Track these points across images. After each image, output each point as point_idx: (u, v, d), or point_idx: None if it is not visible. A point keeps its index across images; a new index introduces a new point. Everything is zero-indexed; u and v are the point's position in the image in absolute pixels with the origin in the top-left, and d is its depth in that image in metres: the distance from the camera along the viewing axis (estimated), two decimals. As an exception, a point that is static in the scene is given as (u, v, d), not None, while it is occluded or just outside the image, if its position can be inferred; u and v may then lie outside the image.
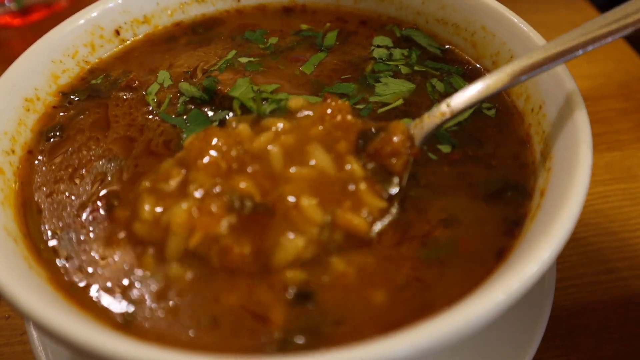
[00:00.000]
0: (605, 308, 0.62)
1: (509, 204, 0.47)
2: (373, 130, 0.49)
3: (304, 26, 0.66)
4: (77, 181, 0.50)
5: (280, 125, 0.48)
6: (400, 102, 0.55)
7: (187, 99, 0.56)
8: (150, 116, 0.56)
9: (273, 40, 0.65)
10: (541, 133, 0.50)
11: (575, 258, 0.67)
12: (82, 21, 0.61)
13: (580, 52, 0.45)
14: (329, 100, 0.50)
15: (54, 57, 0.58)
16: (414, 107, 0.55)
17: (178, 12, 0.67)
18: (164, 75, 0.60)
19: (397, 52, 0.61)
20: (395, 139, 0.47)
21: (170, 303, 0.41)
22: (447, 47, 0.62)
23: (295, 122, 0.49)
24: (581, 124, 0.45)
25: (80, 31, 0.60)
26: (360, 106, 0.55)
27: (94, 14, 0.62)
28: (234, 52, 0.63)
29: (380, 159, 0.47)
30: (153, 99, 0.57)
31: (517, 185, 0.48)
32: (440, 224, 0.45)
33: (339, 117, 0.49)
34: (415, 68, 0.59)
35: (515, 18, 0.57)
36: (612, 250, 0.68)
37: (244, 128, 0.48)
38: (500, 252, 0.43)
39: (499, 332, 0.52)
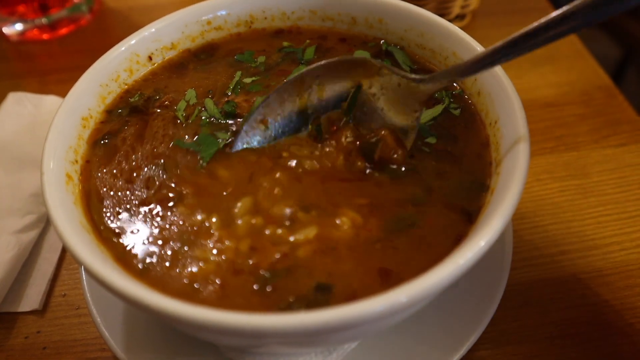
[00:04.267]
0: (555, 283, 0.75)
1: (470, 198, 0.60)
2: (371, 140, 0.64)
3: (285, 44, 0.79)
4: (128, 177, 0.63)
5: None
6: None
7: (210, 116, 0.69)
8: (181, 130, 0.68)
9: (261, 59, 0.77)
10: (496, 143, 0.63)
11: (532, 243, 0.80)
12: (123, 48, 0.73)
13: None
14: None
15: (102, 82, 0.70)
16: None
17: (199, 38, 0.80)
18: (190, 94, 0.72)
19: None
20: (390, 143, 0.63)
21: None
22: (415, 67, 0.75)
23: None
24: (522, 139, 0.57)
25: (121, 58, 0.72)
26: None
27: (133, 42, 0.74)
28: (239, 73, 0.75)
29: (386, 161, 0.63)
30: (182, 114, 0.70)
31: (477, 182, 0.62)
32: (410, 203, 0.59)
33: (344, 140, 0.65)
34: None
35: (479, 47, 0.69)
36: (564, 236, 0.81)
37: None
38: (459, 236, 0.56)
39: (463, 300, 0.66)
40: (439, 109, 0.69)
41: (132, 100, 0.72)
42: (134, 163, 0.65)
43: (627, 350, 0.69)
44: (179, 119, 0.69)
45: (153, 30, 0.75)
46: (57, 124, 0.63)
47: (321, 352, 0.62)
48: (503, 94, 0.63)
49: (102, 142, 0.67)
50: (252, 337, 0.48)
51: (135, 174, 0.64)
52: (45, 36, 1.19)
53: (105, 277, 0.49)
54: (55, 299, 0.76)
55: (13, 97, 0.96)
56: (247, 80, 0.74)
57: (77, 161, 0.64)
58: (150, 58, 0.76)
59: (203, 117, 0.69)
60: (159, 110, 0.71)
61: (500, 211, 0.52)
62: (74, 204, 0.59)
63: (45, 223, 0.83)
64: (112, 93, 0.72)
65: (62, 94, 0.66)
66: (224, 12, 0.79)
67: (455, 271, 0.48)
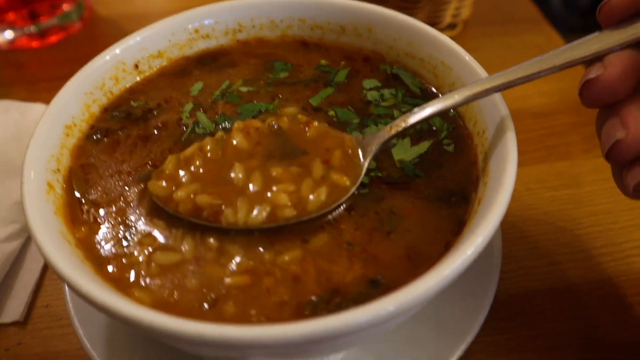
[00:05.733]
0: (545, 294, 0.74)
1: (456, 209, 0.60)
2: None
3: (323, 62, 0.77)
4: (114, 186, 0.63)
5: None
6: None
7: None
8: (185, 128, 0.69)
9: (284, 74, 0.75)
10: (483, 153, 0.62)
11: (523, 253, 0.79)
12: (107, 57, 0.72)
13: (519, 82, 0.57)
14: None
15: (87, 90, 0.70)
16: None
17: (186, 47, 0.79)
18: (188, 106, 0.72)
19: (387, 93, 0.72)
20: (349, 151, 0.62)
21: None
22: (426, 86, 0.73)
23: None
24: (510, 148, 0.56)
25: (107, 66, 0.72)
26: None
27: (118, 51, 0.73)
28: (239, 81, 0.75)
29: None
30: (187, 116, 0.70)
31: (464, 192, 0.61)
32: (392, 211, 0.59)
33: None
34: (402, 109, 0.70)
35: (467, 56, 0.68)
36: (556, 246, 0.80)
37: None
38: (446, 246, 0.56)
39: (451, 310, 0.65)
40: (426, 144, 0.66)
41: (133, 104, 0.72)
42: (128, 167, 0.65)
43: (618, 362, 0.68)
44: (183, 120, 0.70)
45: (138, 38, 0.74)
46: (39, 132, 0.62)
47: (306, 365, 0.61)
48: (491, 103, 0.63)
49: (94, 137, 0.67)
50: (233, 348, 0.47)
51: (118, 180, 0.63)
52: (34, 44, 1.18)
53: (84, 288, 0.48)
54: (37, 310, 0.75)
55: None
56: (244, 89, 0.73)
57: (59, 170, 0.63)
58: (136, 66, 0.75)
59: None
60: (160, 117, 0.70)
61: (487, 220, 0.51)
62: (55, 214, 0.57)
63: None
64: (97, 101, 0.71)
65: (51, 102, 0.66)
66: (211, 21, 0.79)
67: (441, 280, 0.47)
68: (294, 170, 0.59)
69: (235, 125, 0.63)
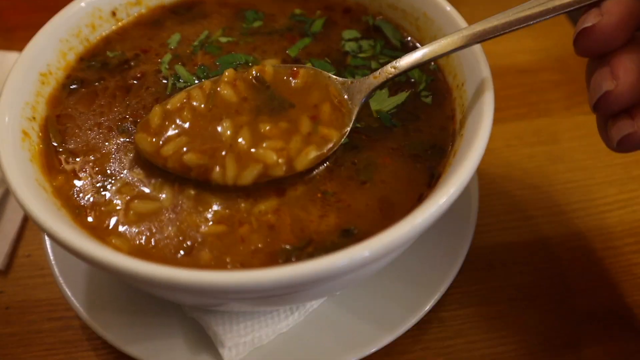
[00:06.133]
0: (519, 247, 0.76)
1: (431, 161, 0.60)
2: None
3: (297, 11, 0.76)
4: (92, 136, 0.63)
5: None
6: None
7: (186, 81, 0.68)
8: (164, 80, 0.68)
9: (258, 23, 0.74)
10: (462, 106, 0.63)
11: (499, 207, 0.81)
12: (83, 4, 0.71)
13: (505, 31, 0.57)
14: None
15: (62, 37, 0.68)
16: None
17: (165, -6, 0.77)
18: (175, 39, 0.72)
19: (365, 44, 0.71)
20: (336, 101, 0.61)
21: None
22: (407, 39, 0.72)
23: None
24: (487, 101, 0.57)
25: (82, 13, 0.70)
26: None
27: (93, -2, 0.72)
28: (220, 31, 0.73)
29: None
30: (166, 67, 0.69)
31: (438, 147, 0.61)
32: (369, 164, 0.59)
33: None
34: (380, 61, 0.69)
35: (449, 7, 0.68)
36: (531, 201, 0.82)
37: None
38: (420, 196, 0.57)
39: (427, 261, 0.67)
40: (403, 95, 0.66)
41: (109, 54, 0.70)
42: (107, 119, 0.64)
43: (584, 312, 0.70)
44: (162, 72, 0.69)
45: (115, -16, 0.73)
46: (13, 77, 0.61)
47: (284, 311, 0.63)
48: (471, 56, 0.63)
49: (71, 87, 0.66)
50: (206, 293, 0.48)
51: (96, 131, 0.63)
52: (10, -9, 1.14)
53: (61, 235, 0.49)
54: (19, 260, 0.75)
55: (-25, 54, 0.93)
56: (223, 39, 0.72)
57: (34, 118, 0.62)
58: (114, 13, 0.74)
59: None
60: (139, 68, 0.69)
61: (460, 171, 0.52)
62: (30, 162, 0.57)
63: (9, 183, 0.81)
64: (73, 49, 0.70)
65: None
66: (191, -31, 0.77)
67: (415, 227, 0.48)
68: (283, 125, 0.59)
69: (227, 73, 0.62)
